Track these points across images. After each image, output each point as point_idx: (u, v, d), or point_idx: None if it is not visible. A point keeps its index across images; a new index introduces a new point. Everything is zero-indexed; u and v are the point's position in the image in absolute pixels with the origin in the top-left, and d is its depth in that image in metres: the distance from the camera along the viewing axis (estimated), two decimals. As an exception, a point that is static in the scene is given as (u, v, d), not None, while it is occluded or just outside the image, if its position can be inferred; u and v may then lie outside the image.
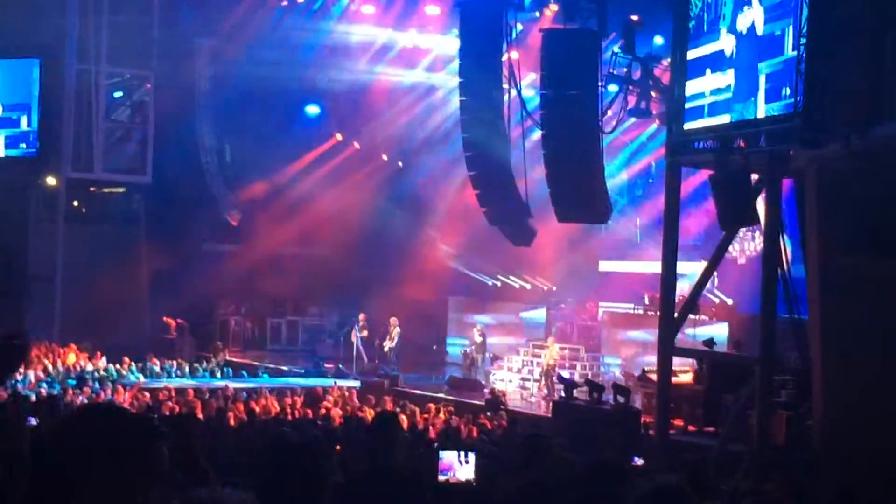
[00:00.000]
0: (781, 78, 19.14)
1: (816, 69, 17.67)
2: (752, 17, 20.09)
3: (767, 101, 19.40)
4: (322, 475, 4.66)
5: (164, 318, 36.45)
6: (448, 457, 4.68)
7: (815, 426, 18.63)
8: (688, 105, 21.84)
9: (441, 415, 23.66)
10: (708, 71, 21.51)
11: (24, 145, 36.47)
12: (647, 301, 32.67)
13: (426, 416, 23.22)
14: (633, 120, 29.48)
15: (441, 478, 4.75)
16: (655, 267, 30.15)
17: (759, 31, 19.83)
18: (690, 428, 22.83)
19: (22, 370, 29.33)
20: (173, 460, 5.13)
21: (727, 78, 20.84)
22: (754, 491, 12.26)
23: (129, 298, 36.13)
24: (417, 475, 5.58)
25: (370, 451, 6.67)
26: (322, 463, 4.71)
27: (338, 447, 15.27)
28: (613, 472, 6.01)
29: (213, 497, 4.36)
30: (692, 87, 21.76)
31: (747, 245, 30.16)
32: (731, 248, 25.50)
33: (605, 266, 35.90)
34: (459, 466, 4.72)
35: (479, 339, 31.66)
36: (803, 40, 17.89)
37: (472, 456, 4.64)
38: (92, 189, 38.24)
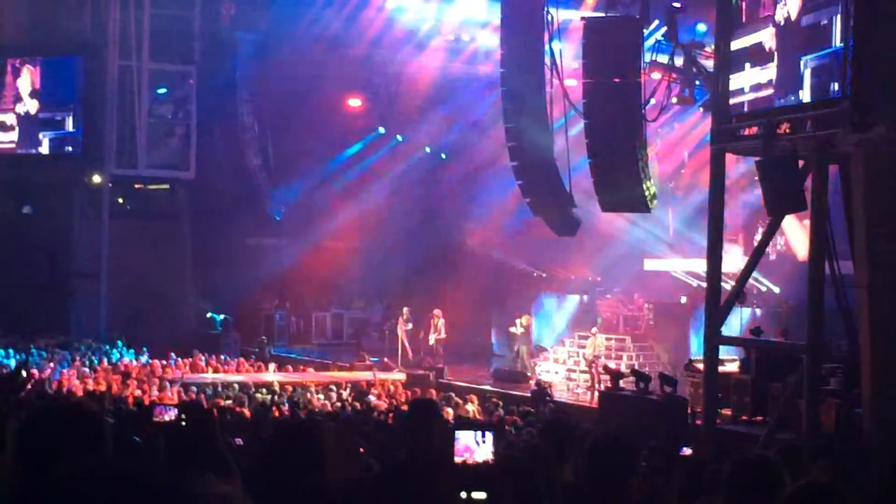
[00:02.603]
0: (828, 71, 18.39)
1: (866, 51, 17.28)
2: (790, 6, 19.40)
3: (812, 98, 18.75)
4: (317, 446, 4.67)
5: (209, 314, 36.55)
6: (464, 437, 4.56)
7: (864, 414, 18.38)
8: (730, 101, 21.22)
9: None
10: (747, 65, 20.83)
11: (69, 148, 36.68)
12: (683, 301, 32.44)
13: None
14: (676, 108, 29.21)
15: (458, 459, 4.64)
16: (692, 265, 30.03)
17: (801, 21, 19.14)
18: (742, 418, 22.63)
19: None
20: (198, 454, 5.11)
21: (768, 73, 20.21)
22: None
23: (174, 294, 36.31)
24: (439, 459, 5.50)
25: (407, 439, 6.57)
26: (318, 436, 4.73)
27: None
28: (620, 445, 6.02)
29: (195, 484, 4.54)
30: (731, 81, 21.11)
31: (776, 240, 29.55)
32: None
33: (649, 264, 35.25)
34: (477, 447, 4.60)
35: (521, 331, 31.48)
36: (852, 22, 17.43)
37: (489, 436, 4.53)
38: (136, 186, 38.42)
